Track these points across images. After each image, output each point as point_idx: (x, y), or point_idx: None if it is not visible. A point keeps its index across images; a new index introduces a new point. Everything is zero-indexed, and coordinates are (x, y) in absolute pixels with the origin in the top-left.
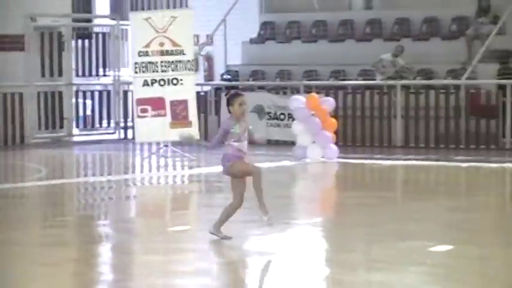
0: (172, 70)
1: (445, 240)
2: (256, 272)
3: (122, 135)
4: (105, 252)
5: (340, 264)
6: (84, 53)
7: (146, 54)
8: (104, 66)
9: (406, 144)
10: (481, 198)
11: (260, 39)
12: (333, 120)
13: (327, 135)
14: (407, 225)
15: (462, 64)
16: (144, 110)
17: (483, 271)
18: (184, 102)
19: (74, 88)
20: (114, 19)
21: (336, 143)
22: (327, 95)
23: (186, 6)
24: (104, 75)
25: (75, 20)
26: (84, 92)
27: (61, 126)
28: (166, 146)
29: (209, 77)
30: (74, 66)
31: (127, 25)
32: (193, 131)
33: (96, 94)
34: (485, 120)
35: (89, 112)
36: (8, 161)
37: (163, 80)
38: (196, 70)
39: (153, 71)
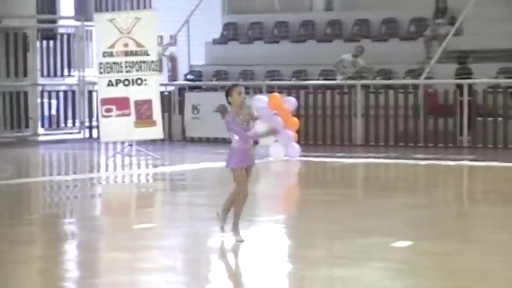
0: (137, 70)
1: (405, 236)
2: (220, 268)
3: (87, 135)
4: (71, 249)
5: (302, 260)
6: (49, 53)
7: (111, 54)
8: (69, 67)
9: (366, 142)
10: (440, 195)
11: (223, 39)
12: (295, 119)
13: (289, 134)
14: (368, 222)
15: (420, 64)
16: (108, 110)
17: (442, 266)
18: (148, 102)
19: (39, 88)
20: (78, 20)
21: (298, 142)
22: (289, 94)
23: (150, 7)
24: (69, 76)
25: (39, 21)
26: (49, 92)
27: (26, 126)
28: (131, 145)
29: (173, 77)
30: (39, 67)
31: (91, 26)
32: (158, 130)
33: (61, 94)
34: (443, 119)
35: (54, 112)
36: None
37: (127, 80)
38: (160, 70)
39: (118, 71)
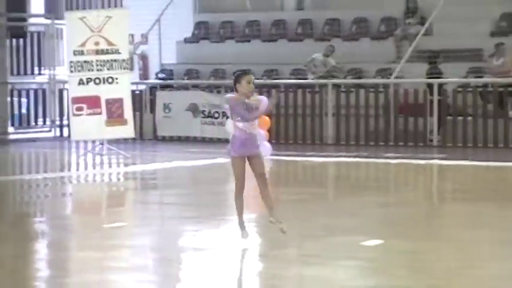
0: (108, 69)
1: (376, 234)
2: (192, 267)
3: (58, 134)
4: (41, 248)
5: (274, 259)
6: (19, 52)
7: (81, 53)
8: (39, 65)
9: (337, 141)
10: (410, 194)
11: (194, 38)
12: (266, 118)
13: (261, 133)
14: (339, 221)
15: (391, 64)
16: (79, 109)
17: (412, 264)
18: (119, 101)
19: (9, 87)
20: (49, 18)
21: (269, 141)
22: (260, 93)
23: (121, 5)
24: (39, 74)
25: (9, 19)
26: (20, 91)
27: None
28: (102, 144)
29: (144, 75)
30: (8, 65)
31: (62, 24)
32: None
33: (32, 93)
34: (414, 119)
35: (24, 110)
36: None
37: (98, 78)
38: (132, 69)
39: (89, 70)
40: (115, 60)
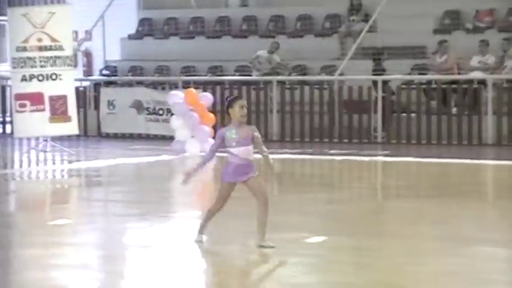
0: (51, 65)
1: (320, 231)
2: (136, 264)
3: (1, 130)
4: None
5: (218, 256)
6: None
7: (24, 49)
8: None
9: (282, 138)
10: (354, 190)
11: (138, 35)
12: (211, 115)
13: (206, 130)
14: (283, 217)
15: (335, 60)
16: (22, 105)
17: (355, 261)
18: (63, 98)
19: None
20: None
21: (214, 138)
22: (205, 90)
23: (65, 2)
24: None
25: None
26: None
27: None
28: (46, 140)
29: (88, 72)
30: None
31: (5, 20)
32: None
33: None
34: (358, 115)
35: None
36: None
37: (41, 75)
38: (75, 65)
39: (32, 67)
40: (58, 57)
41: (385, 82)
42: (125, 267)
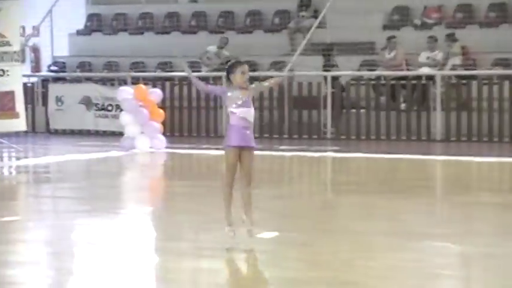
0: None
1: (270, 227)
2: (85, 261)
3: None
4: None
5: (169, 252)
6: None
7: None
8: None
9: None
10: (304, 186)
11: (87, 30)
12: (161, 111)
13: (155, 126)
14: (233, 213)
15: (285, 56)
16: None
17: (306, 257)
18: (11, 94)
19: None
20: None
21: (164, 134)
22: (154, 86)
23: None
24: None
25: None
26: None
27: None
28: None
29: (36, 68)
30: None
31: None
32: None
33: None
34: (308, 111)
35: None
36: None
37: None
38: (23, 61)
39: None
40: (6, 53)
41: (334, 78)
42: (74, 264)
